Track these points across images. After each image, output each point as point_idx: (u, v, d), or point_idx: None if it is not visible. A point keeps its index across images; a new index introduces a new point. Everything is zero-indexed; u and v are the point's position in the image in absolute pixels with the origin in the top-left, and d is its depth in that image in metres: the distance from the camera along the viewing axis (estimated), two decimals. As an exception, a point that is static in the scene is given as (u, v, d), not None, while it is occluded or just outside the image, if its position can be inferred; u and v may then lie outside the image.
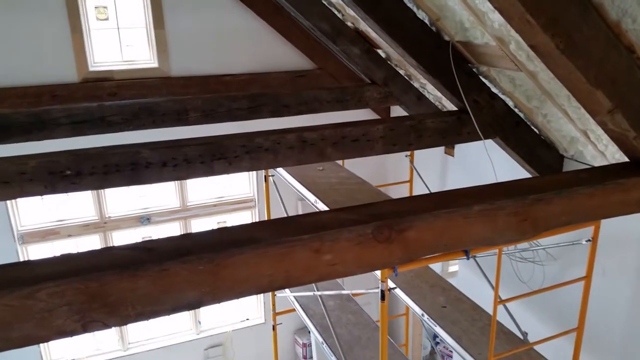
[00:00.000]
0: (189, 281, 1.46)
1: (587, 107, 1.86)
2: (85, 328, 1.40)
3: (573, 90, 1.81)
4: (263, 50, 4.56)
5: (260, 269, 1.52)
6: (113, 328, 1.50)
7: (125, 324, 1.45)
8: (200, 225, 5.28)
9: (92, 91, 4.01)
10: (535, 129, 3.17)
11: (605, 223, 2.45)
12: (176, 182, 4.82)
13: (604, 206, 1.93)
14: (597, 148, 2.78)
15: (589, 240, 2.76)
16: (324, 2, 3.56)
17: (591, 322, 2.95)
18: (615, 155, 2.68)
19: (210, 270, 1.47)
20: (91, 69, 4.18)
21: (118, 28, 4.37)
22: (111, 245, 4.85)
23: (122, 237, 5.00)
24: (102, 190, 4.54)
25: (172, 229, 5.15)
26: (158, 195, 5.04)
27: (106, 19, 4.34)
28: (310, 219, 1.70)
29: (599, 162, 2.93)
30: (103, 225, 4.88)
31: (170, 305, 1.47)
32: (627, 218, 2.06)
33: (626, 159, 2.11)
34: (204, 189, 5.21)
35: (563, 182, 1.92)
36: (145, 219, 5.00)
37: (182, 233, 1.65)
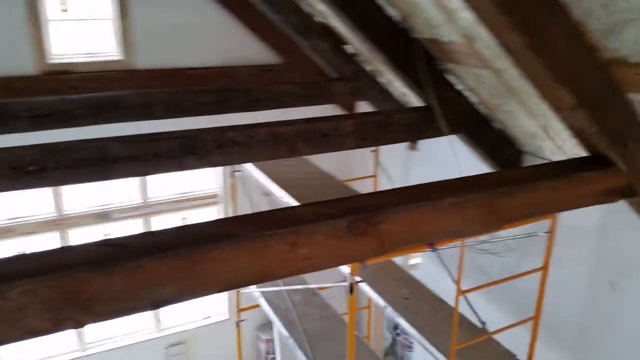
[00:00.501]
0: (166, 277, 1.44)
1: (551, 103, 1.93)
2: (57, 327, 1.36)
3: (539, 87, 1.88)
4: (230, 43, 4.49)
5: (238, 264, 1.52)
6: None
7: (100, 321, 1.42)
8: (163, 221, 5.17)
9: (52, 84, 3.84)
10: (497, 125, 3.28)
11: (561, 215, 2.56)
12: (137, 177, 4.70)
13: (565, 199, 2.02)
14: (556, 143, 2.89)
15: (547, 232, 2.88)
16: (292, -4, 3.55)
17: (547, 311, 3.07)
18: (573, 150, 2.79)
19: (187, 266, 1.46)
20: (51, 61, 4.01)
21: (80, 19, 4.22)
22: (70, 243, 4.74)
23: (81, 235, 4.84)
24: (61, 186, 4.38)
25: (133, 226, 5.02)
26: (118, 191, 4.91)
27: (66, 10, 4.18)
28: (286, 213, 1.71)
29: (557, 156, 3.05)
30: (61, 222, 4.71)
31: (148, 302, 1.45)
32: (582, 210, 2.16)
33: (584, 154, 2.21)
34: (167, 184, 5.11)
35: (527, 175, 1.99)
36: (104, 216, 4.86)
37: (152, 230, 1.62)
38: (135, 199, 5.01)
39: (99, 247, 1.49)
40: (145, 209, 5.05)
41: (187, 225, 1.66)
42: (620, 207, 2.37)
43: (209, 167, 2.57)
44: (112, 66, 4.11)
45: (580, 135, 2.00)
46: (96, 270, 1.37)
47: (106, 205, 4.90)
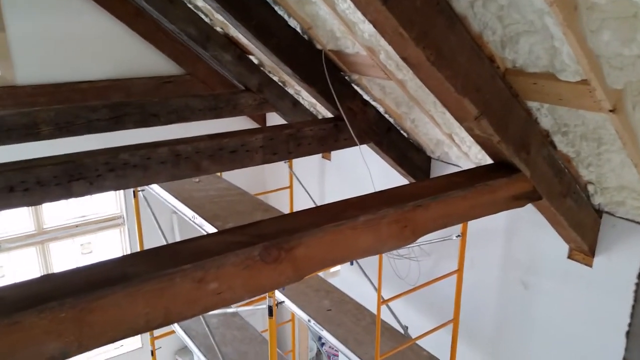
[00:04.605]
0: (48, 332, 1.25)
1: (455, 114, 1.94)
2: None
3: (442, 99, 1.88)
4: (124, 54, 4.18)
5: (134, 309, 1.35)
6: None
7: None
8: (61, 249, 4.75)
9: None
10: (404, 134, 3.31)
11: (472, 218, 2.61)
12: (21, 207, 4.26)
13: (475, 207, 2.04)
14: (461, 149, 2.97)
15: (459, 235, 2.95)
16: (189, 5, 3.37)
17: (466, 312, 3.15)
18: (477, 155, 2.88)
19: (74, 317, 1.27)
20: None
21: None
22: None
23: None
24: None
25: (27, 256, 4.55)
26: (8, 218, 4.43)
27: None
28: (192, 245, 1.56)
29: (463, 162, 3.14)
30: (-62, 258, 4.17)
31: (28, 364, 1.24)
32: (490, 212, 2.20)
33: (489, 159, 2.26)
34: (64, 208, 4.69)
35: (438, 187, 1.99)
36: (-7, 247, 4.37)
37: (42, 274, 1.42)
38: (29, 226, 4.56)
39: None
40: (41, 237, 4.61)
41: (81, 267, 1.46)
42: (526, 208, 2.46)
43: (103, 192, 2.33)
44: (-10, 83, 3.69)
45: (484, 143, 2.03)
46: (-40, 333, 1.16)
47: (-5, 234, 4.42)
